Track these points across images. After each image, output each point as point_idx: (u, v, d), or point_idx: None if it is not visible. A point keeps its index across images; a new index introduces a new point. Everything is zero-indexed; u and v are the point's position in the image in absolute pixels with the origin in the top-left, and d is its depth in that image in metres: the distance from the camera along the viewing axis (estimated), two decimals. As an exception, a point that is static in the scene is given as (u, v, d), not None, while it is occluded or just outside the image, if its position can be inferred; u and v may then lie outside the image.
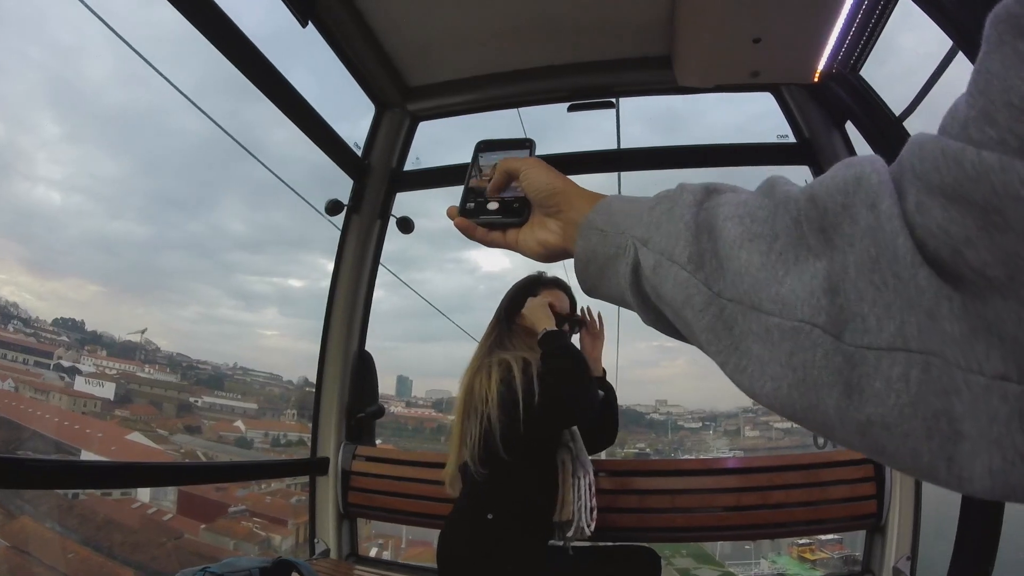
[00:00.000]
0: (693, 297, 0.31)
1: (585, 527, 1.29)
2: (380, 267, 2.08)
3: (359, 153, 1.98)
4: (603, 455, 1.67)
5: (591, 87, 1.89)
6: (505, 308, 1.43)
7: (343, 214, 1.96)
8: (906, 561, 1.50)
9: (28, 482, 1.20)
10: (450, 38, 1.74)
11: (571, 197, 0.45)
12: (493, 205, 0.50)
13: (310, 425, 1.98)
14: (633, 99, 2.02)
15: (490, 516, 1.24)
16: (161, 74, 1.79)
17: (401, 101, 1.95)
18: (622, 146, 2.05)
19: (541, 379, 1.22)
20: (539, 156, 0.51)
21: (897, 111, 1.50)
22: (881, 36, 1.46)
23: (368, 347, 2.04)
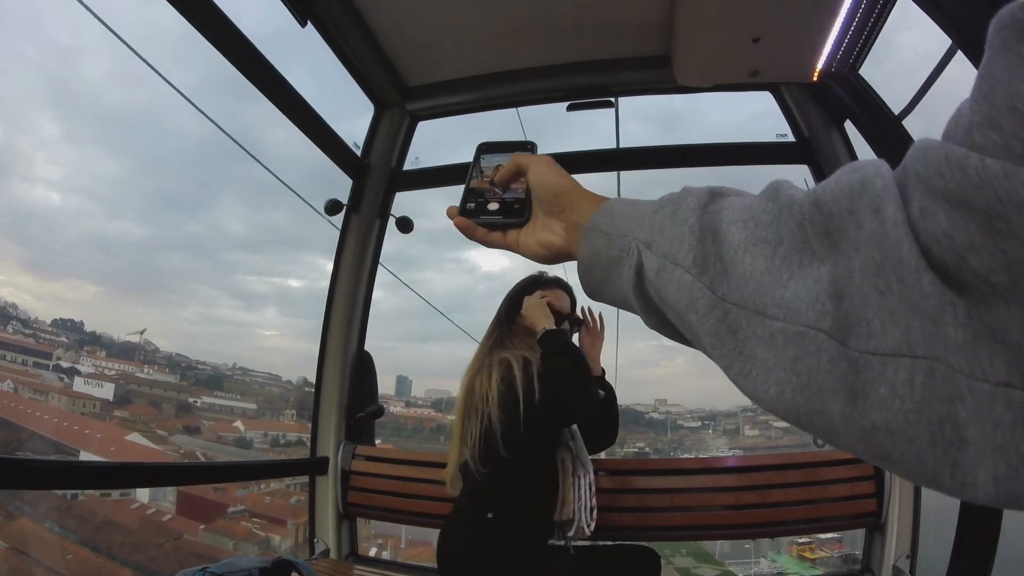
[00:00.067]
0: (697, 301, 0.30)
1: (585, 526, 1.29)
2: (379, 267, 2.08)
3: (358, 153, 1.98)
4: (603, 454, 1.67)
5: (590, 86, 1.89)
6: (506, 309, 1.43)
7: (342, 214, 1.96)
8: (906, 559, 1.51)
9: (27, 483, 1.20)
10: (449, 38, 1.74)
11: (575, 198, 0.44)
12: (494, 205, 0.49)
13: (309, 425, 1.98)
14: (632, 98, 2.02)
15: (490, 515, 1.24)
16: (160, 74, 1.77)
17: (400, 101, 1.95)
18: (621, 145, 2.04)
19: (541, 378, 1.22)
20: None
21: (896, 110, 1.50)
22: (880, 35, 1.47)
23: (367, 347, 2.04)
